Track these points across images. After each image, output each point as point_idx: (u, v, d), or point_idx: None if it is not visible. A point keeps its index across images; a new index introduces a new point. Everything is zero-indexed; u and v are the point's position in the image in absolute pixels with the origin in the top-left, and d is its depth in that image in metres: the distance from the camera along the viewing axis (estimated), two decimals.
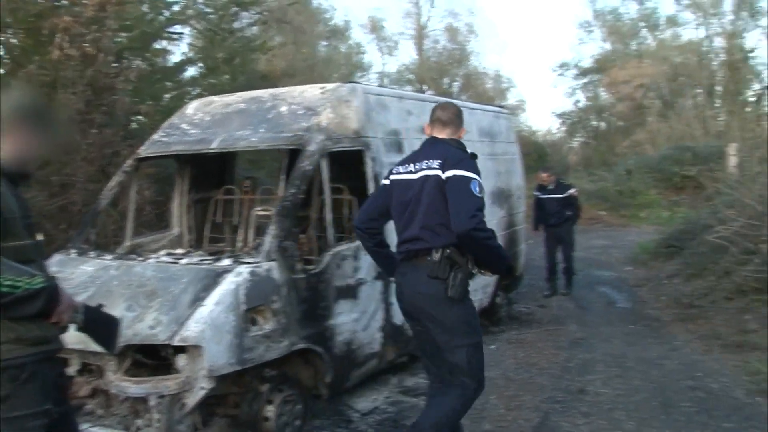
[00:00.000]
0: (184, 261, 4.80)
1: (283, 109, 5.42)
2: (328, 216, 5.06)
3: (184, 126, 5.82)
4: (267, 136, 5.19)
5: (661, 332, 7.52)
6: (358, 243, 5.20)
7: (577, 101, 40.76)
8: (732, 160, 15.93)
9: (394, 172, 3.96)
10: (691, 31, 38.62)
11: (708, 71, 35.95)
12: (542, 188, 9.88)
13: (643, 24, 39.99)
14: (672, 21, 39.20)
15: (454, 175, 3.55)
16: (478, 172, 3.64)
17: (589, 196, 20.89)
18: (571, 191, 9.86)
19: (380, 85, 33.16)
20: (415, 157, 3.87)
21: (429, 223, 3.62)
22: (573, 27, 58.87)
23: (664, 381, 5.79)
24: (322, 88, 5.52)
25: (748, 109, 32.80)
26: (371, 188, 5.38)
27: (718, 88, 36.26)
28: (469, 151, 3.87)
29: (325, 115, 5.17)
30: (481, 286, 7.30)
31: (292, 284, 4.65)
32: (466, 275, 3.63)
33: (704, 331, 7.14)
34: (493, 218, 7.51)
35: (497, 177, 7.73)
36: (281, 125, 5.24)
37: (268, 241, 4.59)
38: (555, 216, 9.62)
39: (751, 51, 33.89)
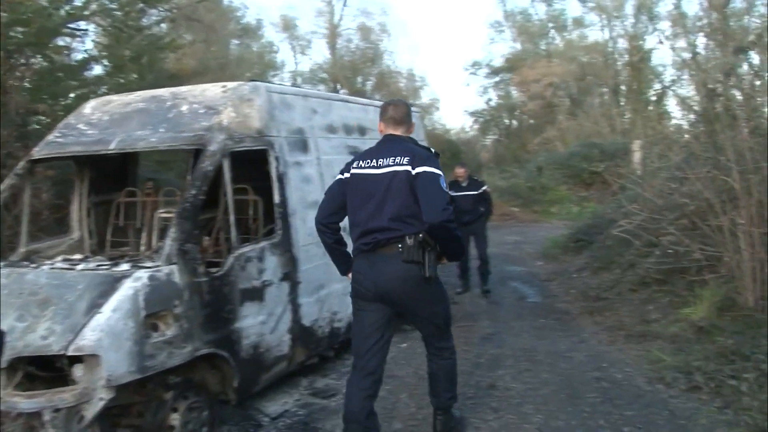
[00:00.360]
0: (80, 267, 4.59)
1: (184, 108, 5.25)
2: (231, 217, 4.93)
3: (81, 126, 5.57)
4: (167, 136, 5.01)
5: (570, 325, 7.69)
6: (263, 244, 5.14)
7: (489, 100, 41.45)
8: (636, 157, 16.48)
9: (354, 166, 4.13)
10: (596, 33, 39.83)
11: (613, 71, 37.24)
12: (455, 186, 9.80)
13: (551, 25, 40.97)
14: (578, 22, 40.42)
15: (424, 172, 3.85)
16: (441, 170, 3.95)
17: (501, 193, 21.31)
18: (485, 188, 9.92)
19: (293, 84, 32.91)
20: (377, 153, 4.08)
21: (399, 215, 3.88)
22: (484, 27, 59.88)
23: (572, 373, 5.91)
24: (224, 86, 5.37)
25: (651, 108, 34.20)
26: (276, 188, 5.28)
27: (623, 87, 37.60)
28: (432, 150, 4.21)
29: (226, 114, 5.03)
30: None
31: (195, 288, 4.51)
32: (437, 255, 3.96)
33: (610, 323, 7.33)
34: None
35: None
36: (182, 125, 5.07)
37: (168, 244, 4.43)
38: (469, 213, 9.59)
39: (650, 52, 35.23)
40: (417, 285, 3.91)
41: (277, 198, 5.30)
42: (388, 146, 4.11)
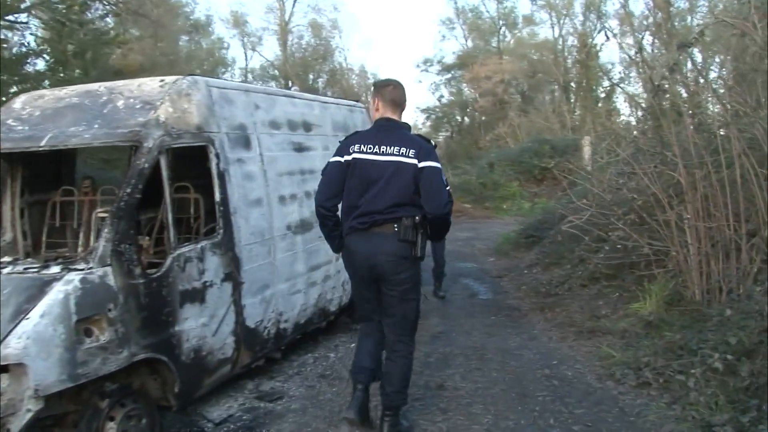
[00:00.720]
0: (6, 270, 4.34)
1: (120, 103, 5.02)
2: (169, 216, 4.73)
3: (10, 122, 5.29)
4: (101, 132, 4.77)
5: (521, 322, 7.65)
6: (203, 244, 4.96)
7: (441, 97, 41.63)
8: (586, 153, 16.63)
9: (356, 150, 4.25)
10: (546, 30, 40.30)
11: (563, 68, 37.72)
12: None
13: (502, 22, 41.31)
14: (529, 20, 41.03)
15: (429, 167, 4.13)
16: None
17: (453, 190, 21.19)
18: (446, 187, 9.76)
19: (243, 81, 32.48)
20: (379, 139, 4.25)
21: (400, 201, 4.14)
22: (435, 24, 60.01)
23: (522, 371, 5.84)
24: (162, 81, 5.15)
25: (600, 105, 34.73)
26: (217, 186, 5.10)
27: (573, 84, 38.15)
28: (432, 142, 4.48)
29: (163, 109, 4.81)
30: (341, 283, 7.18)
31: (131, 290, 4.30)
32: (426, 239, 4.28)
33: (561, 319, 7.31)
34: None
35: None
36: (117, 120, 4.84)
37: (102, 245, 4.22)
38: None
39: (599, 50, 35.84)
40: (403, 263, 4.20)
41: (218, 196, 5.10)
42: (390, 133, 4.29)
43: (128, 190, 4.42)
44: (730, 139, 5.96)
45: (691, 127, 6.32)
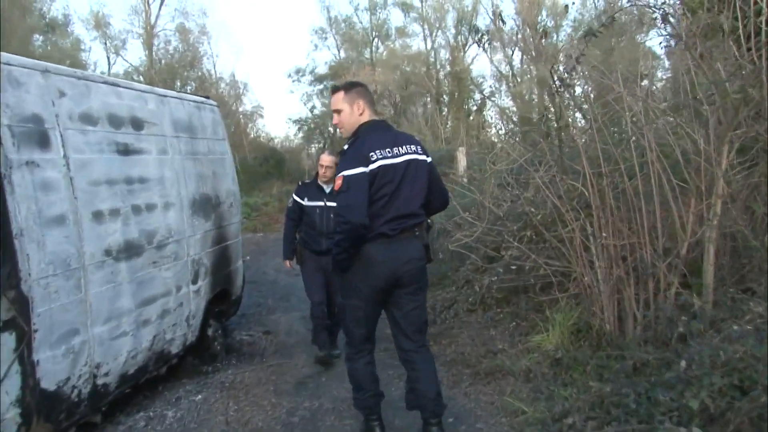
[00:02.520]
0: None
1: None
2: None
3: None
4: None
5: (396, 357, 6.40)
6: None
7: (313, 107, 40.83)
8: (461, 163, 16.14)
9: (379, 156, 3.85)
10: (419, 42, 40.57)
11: (435, 80, 37.74)
12: (319, 191, 6.44)
13: (375, 33, 41.14)
14: (402, 32, 40.94)
15: (432, 163, 4.13)
16: None
17: None
18: None
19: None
20: (389, 142, 3.94)
21: (422, 202, 4.00)
22: (308, 33, 58.87)
23: None
24: None
25: (472, 117, 34.90)
26: None
27: (445, 96, 38.26)
28: None
29: None
30: (184, 318, 5.80)
31: None
32: None
33: (451, 355, 6.09)
34: (197, 232, 6.03)
35: (200, 181, 6.20)
36: None
37: None
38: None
39: (471, 63, 36.33)
40: (424, 267, 4.07)
41: None
42: (393, 134, 4.10)
43: None
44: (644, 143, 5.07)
45: (595, 131, 5.40)
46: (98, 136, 4.71)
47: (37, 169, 4.02)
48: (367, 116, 4.04)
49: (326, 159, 6.39)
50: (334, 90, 4.21)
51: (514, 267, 6.53)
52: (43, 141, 4.12)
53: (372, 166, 3.80)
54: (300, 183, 6.76)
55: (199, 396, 5.46)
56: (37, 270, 3.92)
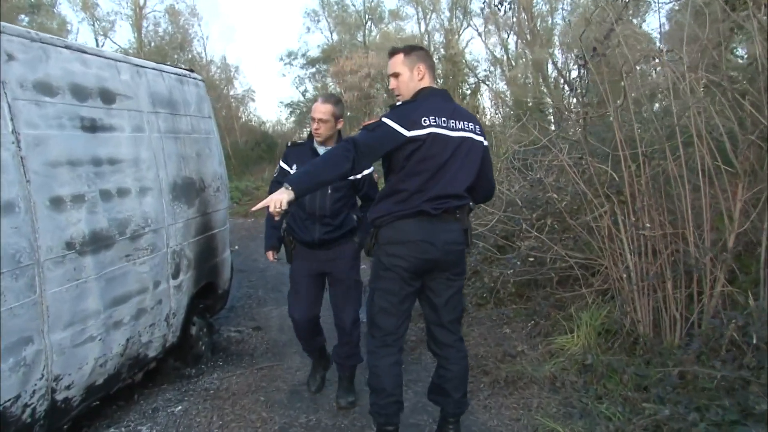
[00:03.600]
0: None
1: None
2: None
3: None
4: None
5: (411, 360, 5.71)
6: None
7: (306, 91, 40.28)
8: None
9: (432, 123, 3.44)
10: (413, 26, 40.21)
11: None
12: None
13: (368, 16, 40.74)
14: (395, 14, 40.53)
15: (487, 146, 3.75)
16: None
17: None
18: (370, 170, 7.67)
19: None
20: (444, 111, 3.53)
21: (471, 184, 3.64)
22: (300, 16, 57.73)
23: None
24: None
25: (467, 101, 34.38)
26: None
27: (440, 80, 37.77)
28: None
29: None
30: (164, 317, 5.14)
31: None
32: None
33: (470, 361, 5.46)
34: (178, 220, 5.36)
35: (182, 163, 5.50)
36: None
37: None
38: (335, 218, 7.21)
39: (465, 47, 35.98)
40: (463, 252, 3.75)
41: None
42: (452, 106, 3.65)
43: None
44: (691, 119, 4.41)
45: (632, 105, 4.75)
46: (58, 108, 4.01)
47: None
48: (427, 82, 3.66)
49: (320, 108, 4.49)
50: (393, 52, 3.78)
51: (532, 259, 5.89)
52: None
53: (420, 132, 3.41)
54: (289, 144, 4.91)
55: (179, 407, 4.79)
56: None
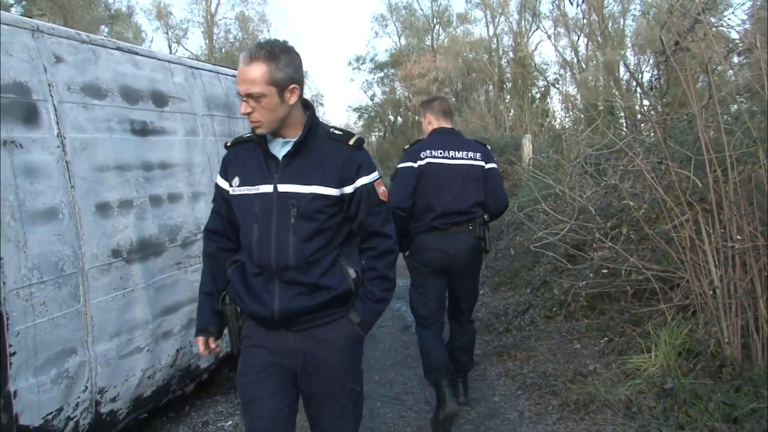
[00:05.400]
0: None
1: None
2: None
3: None
4: None
5: (473, 376, 5.30)
6: None
7: (374, 96, 40.33)
8: (527, 150, 15.35)
9: (428, 155, 4.54)
10: (481, 29, 39.94)
11: (498, 67, 36.83)
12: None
13: (436, 20, 40.63)
14: (463, 18, 40.32)
15: (493, 168, 4.66)
16: None
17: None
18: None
19: None
20: (447, 145, 4.60)
21: (476, 201, 4.55)
22: (368, 21, 57.92)
23: None
24: None
25: (536, 105, 33.75)
26: None
27: (508, 83, 37.25)
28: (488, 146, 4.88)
29: None
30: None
31: None
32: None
33: (530, 375, 5.09)
34: None
35: None
36: None
37: None
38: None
39: (535, 50, 35.52)
40: (478, 256, 4.68)
41: None
42: (454, 139, 4.68)
43: None
44: None
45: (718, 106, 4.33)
46: (107, 111, 3.87)
47: (18, 150, 3.19)
48: (435, 125, 4.75)
49: (247, 74, 2.39)
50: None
51: (605, 270, 5.50)
52: (29, 116, 3.29)
53: (420, 163, 4.52)
54: (228, 144, 2.84)
55: (230, 421, 4.62)
56: (15, 277, 3.09)
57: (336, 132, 2.64)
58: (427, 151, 4.52)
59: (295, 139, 2.51)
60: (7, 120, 3.15)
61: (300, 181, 2.48)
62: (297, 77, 2.48)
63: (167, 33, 39.48)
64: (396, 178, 4.57)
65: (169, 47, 39.02)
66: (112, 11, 35.11)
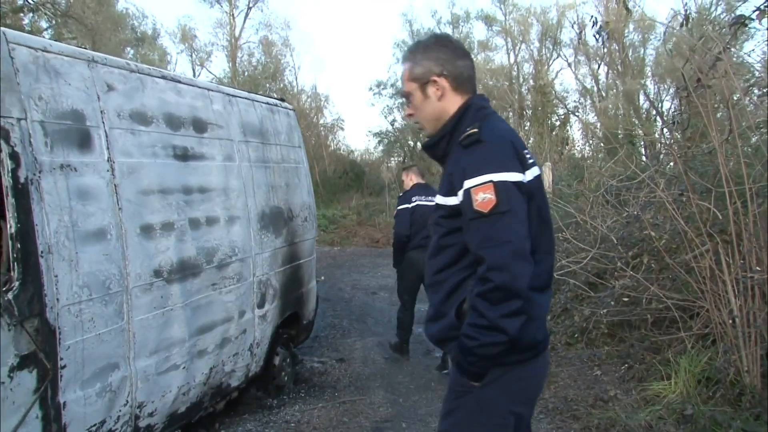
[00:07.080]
0: None
1: None
2: None
3: None
4: None
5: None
6: None
7: (394, 121, 40.46)
8: (547, 178, 15.44)
9: (416, 199, 7.20)
10: (502, 56, 40.09)
11: (518, 95, 36.98)
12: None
13: None
14: (484, 45, 40.33)
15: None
16: None
17: None
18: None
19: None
20: (425, 193, 7.31)
21: None
22: (390, 47, 58.43)
23: None
24: None
25: (555, 133, 33.84)
26: (12, 207, 3.03)
27: (528, 111, 37.37)
28: None
29: None
30: (247, 347, 5.13)
31: None
32: None
33: (552, 399, 5.18)
34: (265, 250, 5.36)
35: (271, 192, 5.53)
36: None
37: None
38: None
39: (555, 77, 35.60)
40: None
41: (13, 225, 3.04)
42: (429, 189, 7.31)
43: None
44: None
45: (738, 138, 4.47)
46: (152, 137, 4.09)
47: (73, 173, 3.40)
48: (415, 181, 7.37)
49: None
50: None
51: (626, 299, 5.62)
52: (83, 141, 3.50)
53: (412, 204, 7.08)
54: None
55: None
56: (67, 294, 3.28)
57: (464, 133, 2.23)
58: (416, 197, 7.10)
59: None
60: (63, 145, 3.35)
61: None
62: (438, 70, 2.31)
63: (191, 56, 39.96)
64: (397, 216, 7.26)
65: (193, 70, 39.52)
66: (138, 34, 35.73)
